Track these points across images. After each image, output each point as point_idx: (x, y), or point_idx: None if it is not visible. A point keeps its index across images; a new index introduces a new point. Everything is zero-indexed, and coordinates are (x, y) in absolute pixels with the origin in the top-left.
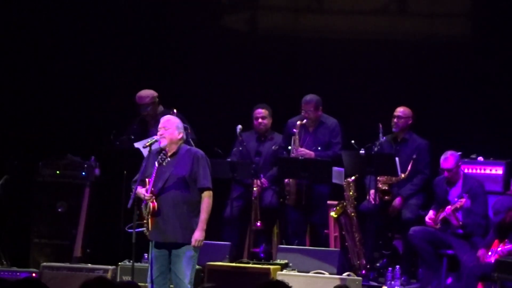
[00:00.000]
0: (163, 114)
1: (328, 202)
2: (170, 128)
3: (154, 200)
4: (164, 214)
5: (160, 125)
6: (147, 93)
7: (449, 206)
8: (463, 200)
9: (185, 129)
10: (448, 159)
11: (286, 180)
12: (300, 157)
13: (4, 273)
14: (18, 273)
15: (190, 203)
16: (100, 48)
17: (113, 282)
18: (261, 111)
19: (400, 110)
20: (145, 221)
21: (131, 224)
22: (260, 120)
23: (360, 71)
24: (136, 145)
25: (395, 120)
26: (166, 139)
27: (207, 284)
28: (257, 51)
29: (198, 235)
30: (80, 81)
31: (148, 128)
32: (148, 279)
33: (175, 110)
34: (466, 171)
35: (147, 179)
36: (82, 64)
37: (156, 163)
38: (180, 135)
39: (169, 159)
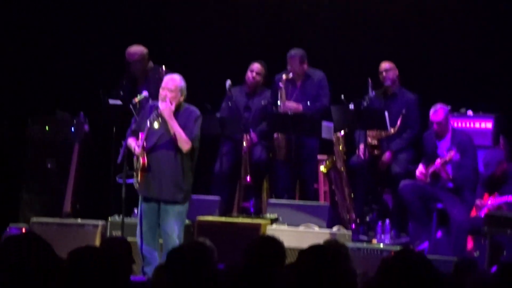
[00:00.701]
0: (153, 70)
1: (318, 156)
2: (175, 91)
3: (145, 156)
4: (154, 170)
5: (164, 85)
6: (137, 50)
7: (438, 160)
8: (452, 153)
9: None
10: (437, 111)
11: (275, 135)
12: (289, 112)
13: None
14: (8, 229)
15: (182, 161)
16: (90, 2)
17: (101, 250)
18: (257, 67)
19: (384, 65)
20: (135, 174)
21: (121, 174)
22: (254, 74)
23: (349, 25)
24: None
25: (383, 74)
26: (168, 101)
27: (200, 239)
28: (248, 5)
29: (163, 105)
30: (68, 36)
31: (137, 84)
32: (137, 233)
33: (163, 67)
34: (455, 125)
35: (140, 133)
36: (71, 18)
37: (148, 121)
38: (182, 98)
39: (161, 119)
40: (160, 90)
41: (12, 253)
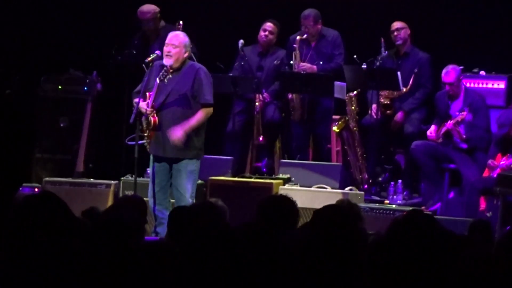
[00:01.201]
0: (165, 29)
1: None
2: (179, 47)
3: (155, 115)
4: (164, 128)
5: (168, 41)
6: (149, 8)
7: (450, 121)
8: (464, 113)
9: None
10: (449, 72)
11: (289, 95)
12: (302, 72)
13: None
14: (21, 188)
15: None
16: None
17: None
18: (270, 25)
19: (396, 24)
20: (145, 134)
21: (132, 136)
22: (267, 33)
23: None
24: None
25: (395, 33)
26: (173, 57)
27: (213, 199)
28: None
29: (177, 132)
30: None
31: (149, 43)
32: (149, 194)
33: (181, 22)
34: (468, 85)
35: (147, 93)
36: None
37: (157, 79)
38: (186, 54)
39: (170, 76)
40: (164, 47)
41: (30, 212)
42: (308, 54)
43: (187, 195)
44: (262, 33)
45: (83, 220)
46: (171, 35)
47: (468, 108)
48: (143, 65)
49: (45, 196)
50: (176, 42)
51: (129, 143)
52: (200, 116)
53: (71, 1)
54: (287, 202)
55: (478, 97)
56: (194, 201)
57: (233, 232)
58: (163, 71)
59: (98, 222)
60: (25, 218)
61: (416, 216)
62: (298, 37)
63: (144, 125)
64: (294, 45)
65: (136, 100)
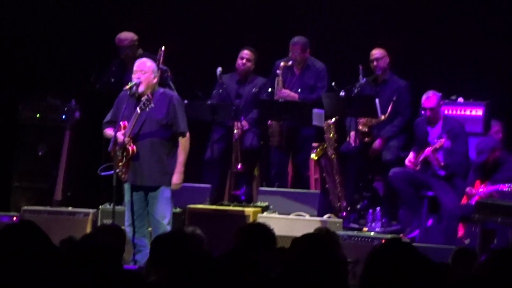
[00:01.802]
0: (142, 57)
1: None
2: (147, 72)
3: (132, 144)
4: (141, 157)
5: (136, 68)
6: (127, 36)
7: (428, 148)
8: (443, 140)
9: (165, 71)
10: (430, 97)
11: (269, 121)
12: (280, 100)
13: None
14: None
15: (166, 146)
16: None
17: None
18: (247, 53)
19: (376, 52)
20: (120, 163)
21: (103, 165)
22: (244, 61)
23: (340, 11)
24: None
25: (374, 63)
26: (143, 83)
27: (190, 227)
28: None
29: (176, 178)
30: (60, 21)
31: (127, 71)
32: (127, 222)
33: (163, 48)
34: (446, 112)
35: (121, 123)
36: (62, 4)
37: (138, 109)
38: (155, 80)
39: (153, 104)
40: (133, 75)
41: (10, 241)
42: (292, 81)
43: (165, 221)
44: (239, 61)
45: (61, 249)
46: (138, 62)
47: (446, 134)
48: (122, 93)
49: (24, 225)
50: (145, 68)
51: (102, 173)
52: (183, 149)
53: (49, 28)
54: (265, 230)
55: (457, 123)
56: (171, 228)
57: (215, 261)
58: (144, 100)
59: (76, 250)
60: (5, 247)
61: (395, 244)
62: (282, 63)
63: (119, 155)
64: (278, 71)
65: (109, 130)
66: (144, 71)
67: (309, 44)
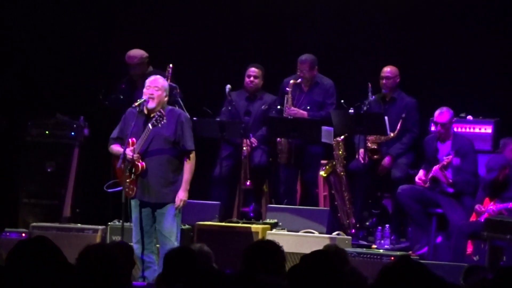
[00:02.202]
0: (153, 74)
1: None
2: (161, 90)
3: (141, 160)
4: (149, 174)
5: (149, 83)
6: (136, 53)
7: (436, 166)
8: (450, 157)
9: (174, 88)
10: (443, 113)
11: (278, 138)
12: (289, 117)
13: None
14: (8, 233)
15: (174, 163)
16: (89, 2)
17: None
18: (254, 70)
19: (387, 70)
20: (128, 180)
21: (109, 182)
22: (252, 78)
23: (349, 28)
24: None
25: (383, 81)
26: (155, 100)
27: (198, 244)
28: (248, 10)
29: (182, 195)
30: (69, 39)
31: (136, 88)
32: (135, 239)
33: (171, 65)
34: (455, 130)
35: (130, 139)
36: (72, 21)
37: (150, 125)
38: (166, 98)
39: (165, 120)
40: (145, 90)
41: (25, 257)
42: (300, 99)
43: (173, 238)
44: (247, 79)
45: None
46: (152, 78)
47: (454, 152)
48: (129, 109)
49: (38, 240)
50: (159, 85)
51: (109, 190)
52: (189, 167)
53: (58, 45)
54: (273, 247)
55: (467, 141)
56: (178, 244)
57: (226, 278)
58: (156, 116)
59: (86, 267)
60: (20, 262)
61: (405, 263)
62: (292, 81)
63: (127, 171)
64: (287, 89)
65: (116, 146)
66: (158, 88)
67: (317, 61)
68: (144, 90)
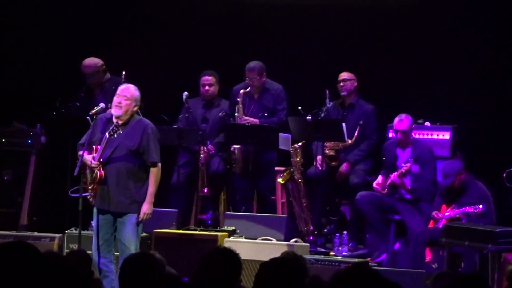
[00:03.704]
0: (110, 81)
1: (276, 168)
2: (130, 100)
3: (101, 168)
4: (109, 182)
5: (119, 92)
6: (91, 62)
7: (395, 173)
8: (408, 165)
9: None
10: (403, 120)
11: (232, 148)
12: (247, 123)
13: None
14: None
15: (136, 174)
16: (44, 12)
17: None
18: (208, 78)
19: (343, 74)
20: (89, 187)
21: (75, 188)
22: (207, 87)
23: (306, 36)
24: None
25: (341, 84)
26: (122, 109)
27: (151, 252)
28: (202, 16)
29: (146, 208)
30: (24, 47)
31: (94, 96)
32: (94, 247)
33: (123, 73)
34: (413, 136)
35: (94, 146)
36: (26, 29)
37: (107, 133)
38: (135, 108)
39: (120, 131)
40: (115, 98)
41: (5, 260)
42: (251, 106)
43: (132, 247)
44: (202, 89)
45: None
46: (123, 87)
47: (413, 159)
48: (88, 117)
49: (19, 245)
50: (128, 94)
51: (73, 195)
52: (154, 179)
53: (13, 54)
54: (230, 255)
55: (426, 149)
56: None
57: (184, 284)
58: (113, 126)
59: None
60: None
61: (359, 269)
62: (242, 91)
63: (89, 178)
64: (238, 99)
65: (81, 152)
66: (127, 97)
67: (265, 68)
68: (114, 97)
